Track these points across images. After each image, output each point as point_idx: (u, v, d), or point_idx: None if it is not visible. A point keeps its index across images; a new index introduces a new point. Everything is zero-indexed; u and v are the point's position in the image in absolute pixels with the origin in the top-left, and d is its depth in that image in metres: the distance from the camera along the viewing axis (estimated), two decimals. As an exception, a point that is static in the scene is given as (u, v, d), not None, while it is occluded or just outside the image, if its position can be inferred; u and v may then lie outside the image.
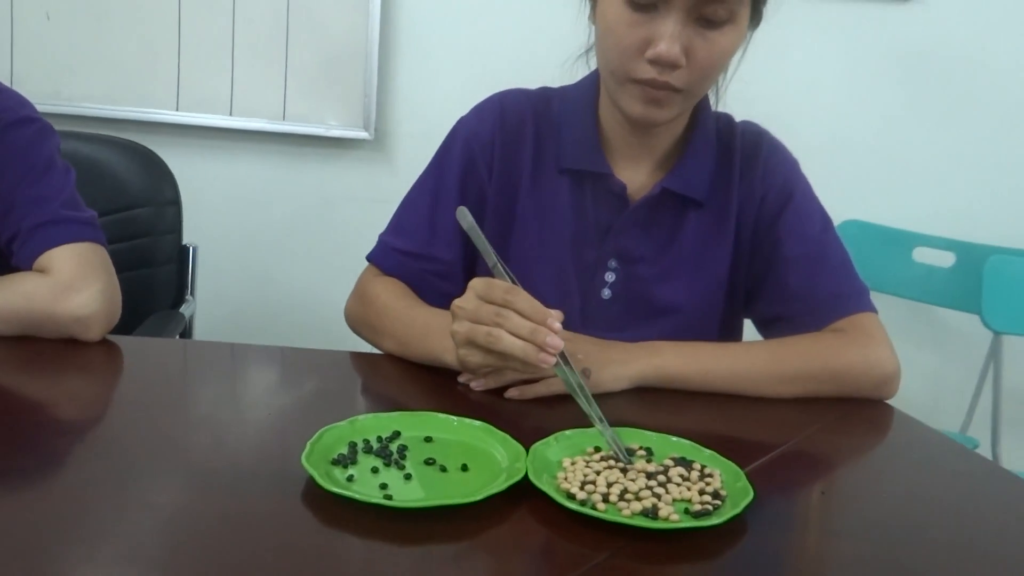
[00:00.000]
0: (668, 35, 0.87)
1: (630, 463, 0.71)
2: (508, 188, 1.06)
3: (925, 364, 2.24)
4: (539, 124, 1.06)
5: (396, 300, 1.02)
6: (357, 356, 0.99)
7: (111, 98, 2.05)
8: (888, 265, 2.14)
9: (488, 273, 0.83)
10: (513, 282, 0.82)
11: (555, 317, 0.79)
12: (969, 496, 0.78)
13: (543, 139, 1.06)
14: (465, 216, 0.82)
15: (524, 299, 0.80)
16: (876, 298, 1.07)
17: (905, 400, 1.00)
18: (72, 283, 0.95)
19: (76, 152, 1.47)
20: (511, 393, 0.88)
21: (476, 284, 0.83)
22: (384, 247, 1.08)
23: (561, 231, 1.05)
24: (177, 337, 1.45)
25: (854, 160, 2.17)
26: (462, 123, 1.09)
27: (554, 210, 1.05)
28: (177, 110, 2.07)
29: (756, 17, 0.94)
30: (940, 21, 2.09)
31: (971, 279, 2.01)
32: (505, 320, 0.79)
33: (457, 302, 0.84)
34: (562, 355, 0.80)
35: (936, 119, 2.15)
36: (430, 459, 0.71)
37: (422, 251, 1.05)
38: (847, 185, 2.16)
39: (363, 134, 2.09)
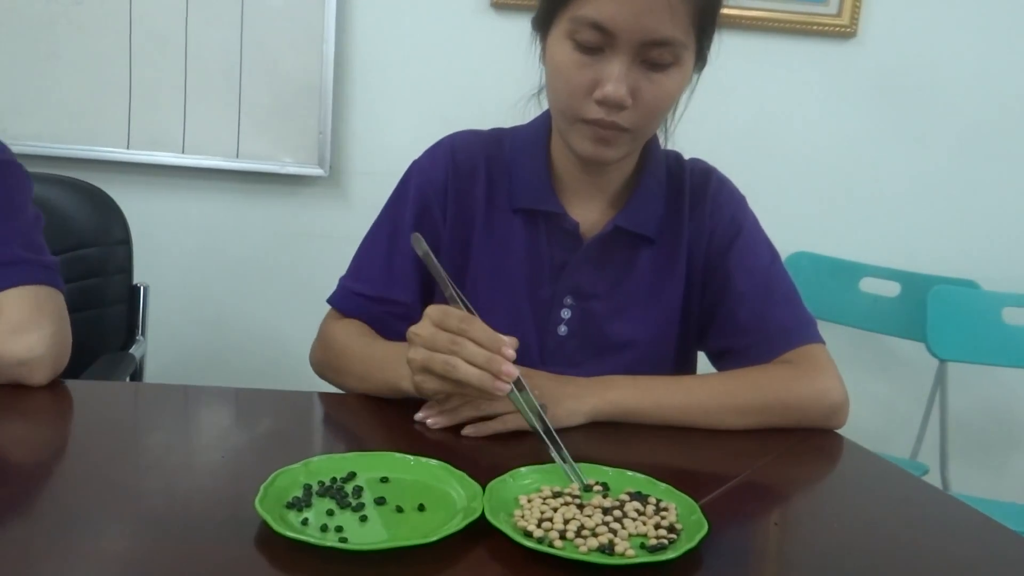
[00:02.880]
0: (615, 77, 0.89)
1: (587, 490, 0.72)
2: (462, 229, 1.07)
3: (874, 392, 2.29)
4: (491, 165, 1.07)
5: (355, 339, 1.02)
6: (312, 396, 0.99)
7: (60, 136, 2.02)
8: (836, 295, 2.19)
9: (445, 301, 0.83)
10: (469, 310, 0.83)
11: (510, 345, 0.80)
12: (918, 524, 0.79)
13: (495, 179, 1.07)
14: (420, 243, 0.83)
15: (479, 327, 0.80)
16: (825, 327, 1.09)
17: (856, 428, 1.02)
18: (20, 325, 0.93)
19: (23, 192, 1.45)
20: (467, 431, 0.88)
21: (432, 312, 0.83)
22: (344, 291, 1.09)
23: (516, 270, 1.06)
24: (127, 379, 1.42)
25: (802, 194, 2.23)
26: (415, 166, 1.10)
27: (509, 249, 1.06)
28: (128, 148, 2.05)
29: (701, 60, 0.97)
30: (882, 58, 2.17)
31: (916, 308, 2.07)
32: (461, 348, 0.79)
33: (413, 329, 0.84)
34: (518, 382, 0.80)
35: (881, 153, 2.22)
36: (386, 500, 0.70)
37: (382, 294, 1.06)
38: (795, 218, 2.22)
39: (318, 171, 2.09)
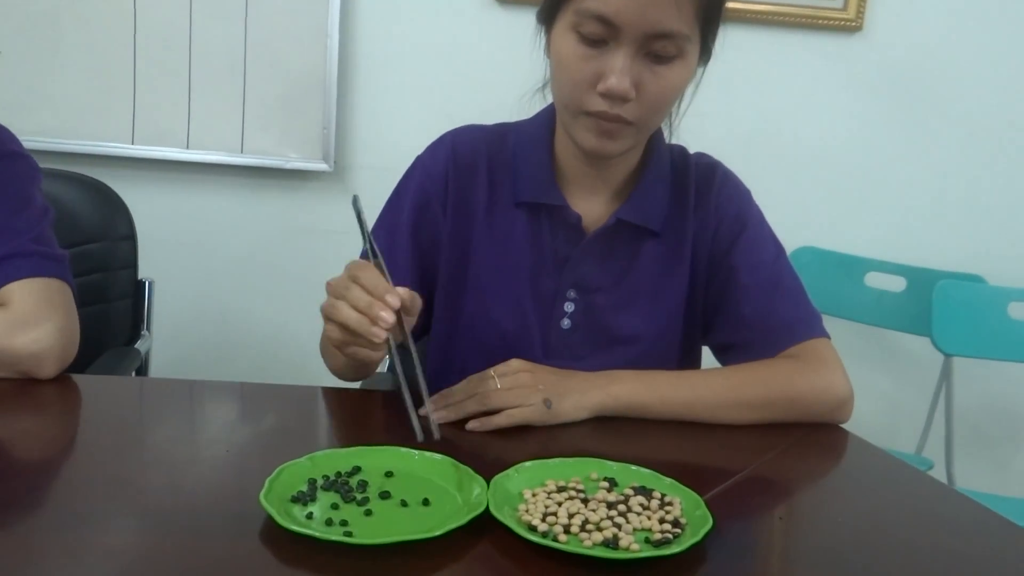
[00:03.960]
0: (618, 69, 0.89)
1: (432, 437, 0.77)
2: (463, 223, 1.07)
3: (879, 387, 2.29)
4: (492, 159, 1.07)
5: None
6: (317, 391, 0.99)
7: (65, 132, 2.02)
8: (841, 290, 2.18)
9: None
10: (380, 264, 0.83)
11: (395, 293, 0.79)
12: (922, 519, 0.79)
13: (497, 174, 1.07)
14: (356, 203, 0.85)
15: (370, 275, 0.81)
16: (830, 322, 1.09)
17: (860, 423, 1.02)
18: (28, 318, 0.93)
19: (28, 187, 1.45)
20: (471, 425, 0.88)
21: (349, 264, 0.84)
22: None
23: (519, 263, 1.06)
24: (133, 374, 1.43)
25: (807, 188, 2.22)
26: (417, 162, 1.10)
27: (511, 243, 1.06)
28: (132, 143, 2.05)
29: (706, 54, 0.97)
30: (888, 52, 2.16)
31: (922, 303, 2.07)
32: (348, 293, 0.80)
33: (329, 279, 0.86)
34: (404, 336, 0.82)
35: (887, 148, 2.21)
36: (391, 494, 0.70)
37: None
38: (800, 213, 2.21)
39: (322, 166, 2.09)
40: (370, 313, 0.78)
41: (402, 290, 0.81)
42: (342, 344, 0.84)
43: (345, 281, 0.81)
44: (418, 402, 0.80)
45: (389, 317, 0.78)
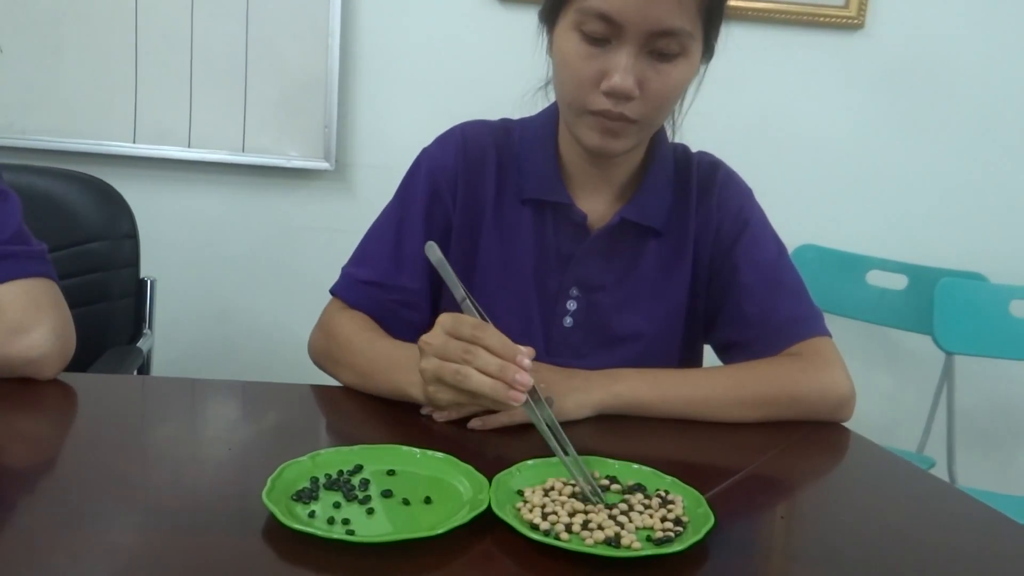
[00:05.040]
0: (622, 67, 0.89)
1: (603, 501, 0.70)
2: (472, 218, 1.06)
3: (881, 385, 2.29)
4: (501, 154, 1.07)
5: (359, 333, 1.01)
6: (319, 389, 0.99)
7: (66, 131, 2.03)
8: (843, 288, 2.18)
9: (457, 308, 0.80)
10: (482, 317, 0.80)
11: (525, 354, 0.77)
12: (924, 517, 0.79)
13: (505, 169, 1.07)
14: (434, 251, 0.80)
15: (493, 335, 0.78)
16: (831, 321, 1.09)
17: (862, 421, 1.02)
18: (21, 323, 0.92)
19: (31, 186, 1.46)
20: (473, 424, 0.88)
21: (444, 320, 0.81)
22: (348, 279, 1.08)
23: (524, 260, 1.06)
24: (135, 372, 1.43)
25: (808, 186, 2.22)
26: (426, 153, 1.09)
27: (517, 239, 1.06)
28: (134, 142, 2.05)
29: (708, 52, 0.97)
30: (890, 49, 2.16)
31: (923, 301, 2.07)
32: (474, 357, 0.77)
33: (425, 338, 0.82)
34: (533, 393, 0.78)
35: (888, 145, 2.21)
36: (393, 492, 0.70)
37: (387, 281, 1.05)
38: (802, 211, 2.21)
39: (324, 165, 2.09)
40: (505, 378, 0.75)
41: (527, 349, 0.78)
42: (451, 404, 0.82)
43: (458, 343, 0.78)
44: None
45: (527, 380, 0.75)
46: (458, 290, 0.79)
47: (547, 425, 0.76)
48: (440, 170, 1.06)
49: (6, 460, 0.75)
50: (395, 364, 0.93)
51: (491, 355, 0.77)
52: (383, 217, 1.10)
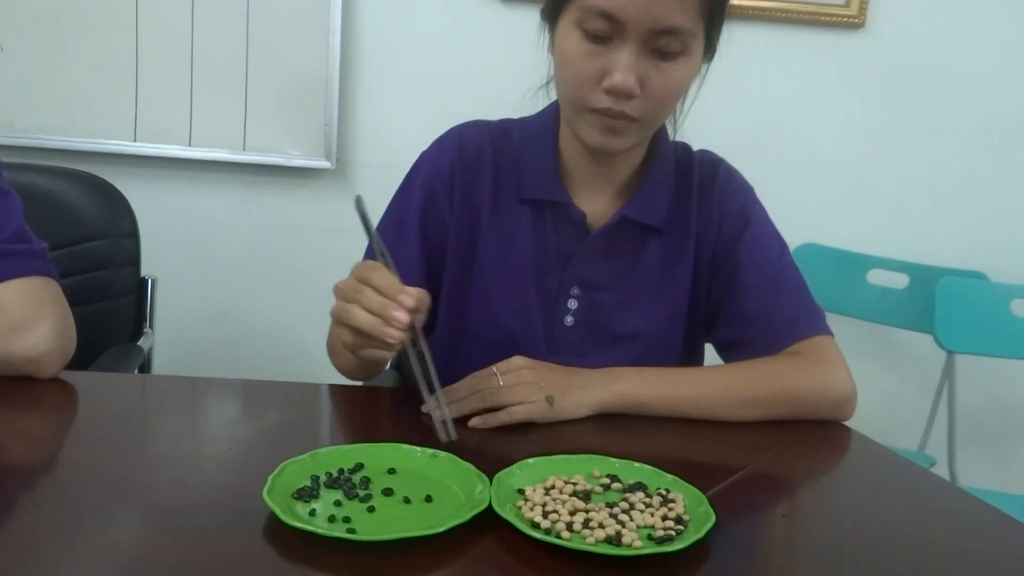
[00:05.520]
0: (623, 65, 0.89)
1: (451, 438, 0.78)
2: (469, 219, 1.06)
3: (882, 384, 2.28)
4: (498, 155, 1.07)
5: None
6: (319, 388, 0.99)
7: (67, 129, 2.03)
8: (844, 287, 2.18)
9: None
10: (387, 264, 0.83)
11: (409, 294, 0.79)
12: (925, 516, 0.79)
13: (503, 169, 1.07)
14: (360, 204, 0.83)
15: (382, 275, 0.80)
16: (832, 319, 1.09)
17: (863, 420, 1.02)
18: (22, 322, 0.92)
19: (32, 184, 1.45)
20: (474, 422, 0.88)
21: (356, 265, 0.84)
22: None
23: (523, 260, 1.06)
24: (136, 371, 1.43)
25: (810, 185, 2.22)
26: (423, 157, 1.10)
27: (516, 239, 1.06)
28: (135, 141, 2.05)
29: (710, 50, 0.96)
30: (891, 49, 2.16)
31: (924, 300, 2.06)
32: (360, 295, 0.79)
33: (337, 282, 0.85)
34: (413, 331, 0.81)
35: (890, 144, 2.21)
36: (393, 491, 0.70)
37: None
38: (803, 210, 2.21)
39: (324, 163, 2.09)
40: (384, 314, 0.78)
41: (413, 289, 0.80)
42: (355, 347, 0.83)
43: (355, 283, 0.81)
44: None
45: (403, 317, 0.77)
46: (370, 239, 0.84)
47: (419, 360, 0.80)
48: (436, 174, 1.07)
49: (7, 458, 0.75)
50: None
51: (376, 293, 0.79)
52: (384, 220, 1.10)
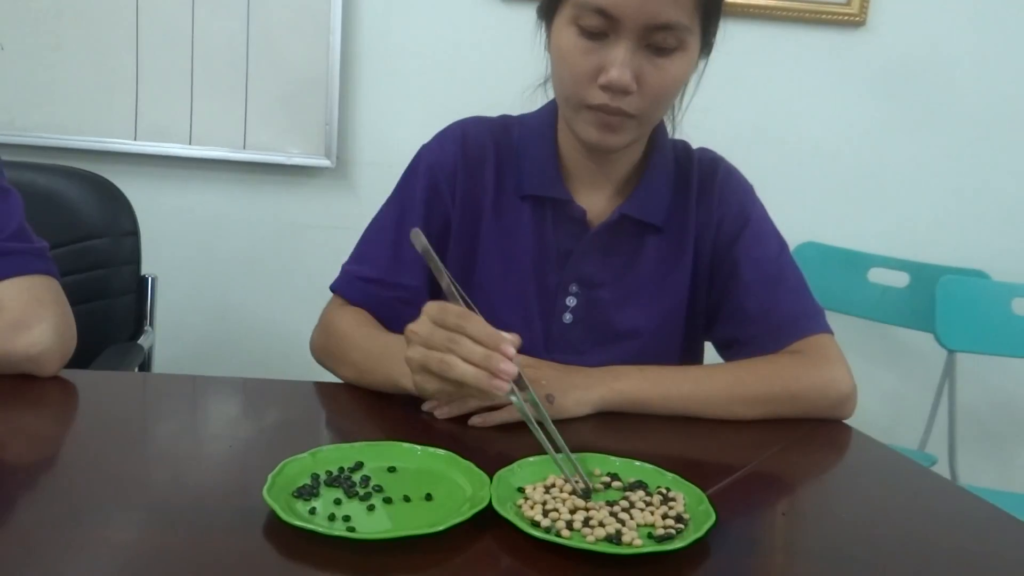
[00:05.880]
0: (619, 62, 0.89)
1: (589, 494, 0.70)
2: (471, 214, 1.06)
3: (882, 382, 2.28)
4: (500, 151, 1.07)
5: (358, 328, 1.01)
6: (320, 386, 0.99)
7: (67, 128, 2.03)
8: (844, 285, 2.18)
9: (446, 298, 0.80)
10: (468, 305, 0.79)
11: (509, 342, 0.76)
12: (926, 515, 0.79)
13: (504, 166, 1.07)
14: (419, 238, 0.79)
15: (477, 324, 0.77)
16: (833, 318, 1.09)
17: (864, 418, 1.02)
18: (22, 320, 0.92)
19: (32, 183, 1.45)
20: (474, 421, 0.88)
21: (430, 308, 0.80)
22: (347, 276, 1.08)
23: (523, 256, 1.06)
24: (136, 369, 1.43)
25: (810, 183, 2.22)
26: (425, 150, 1.09)
27: (516, 236, 1.06)
28: (135, 139, 2.05)
29: (707, 46, 0.96)
30: (891, 47, 2.15)
31: (925, 299, 2.06)
32: (458, 346, 0.76)
33: (411, 327, 0.81)
34: (519, 381, 0.77)
35: (890, 143, 2.21)
36: (394, 489, 0.70)
37: (387, 278, 1.05)
38: (803, 208, 2.21)
39: (324, 162, 2.09)
40: (489, 367, 0.74)
41: (511, 336, 0.76)
42: (439, 395, 0.81)
43: (443, 332, 0.77)
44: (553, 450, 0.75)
45: (511, 369, 0.74)
46: (443, 277, 0.79)
47: (532, 417, 0.75)
48: (439, 167, 1.06)
49: (7, 457, 0.75)
50: (388, 356, 0.92)
51: (475, 344, 0.76)
52: (382, 214, 1.09)
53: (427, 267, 1.03)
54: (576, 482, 0.71)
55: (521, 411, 0.77)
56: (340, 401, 0.97)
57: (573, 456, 0.74)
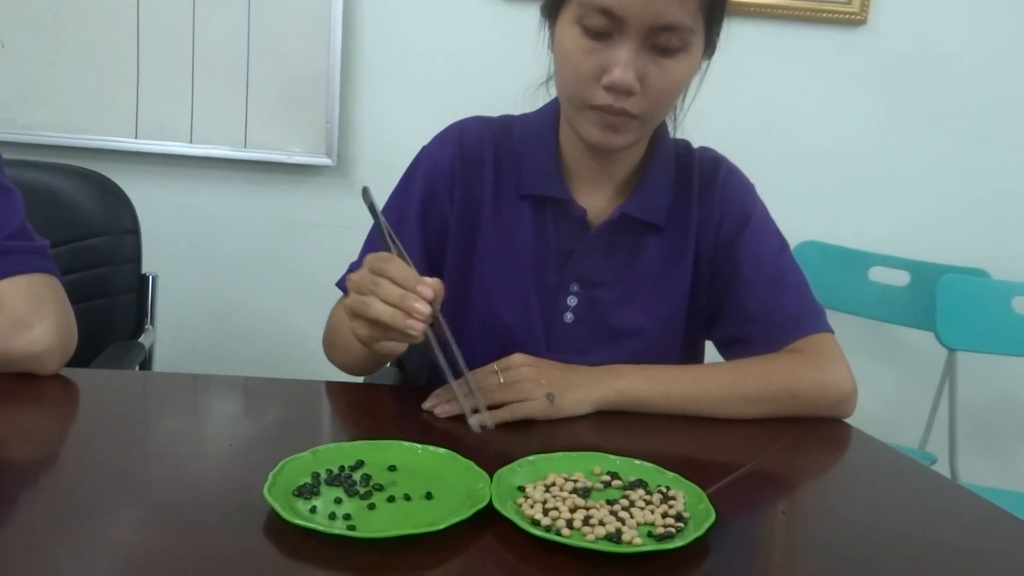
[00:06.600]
0: (622, 62, 0.89)
1: (489, 429, 0.75)
2: (470, 215, 1.06)
3: (883, 381, 2.28)
4: (499, 151, 1.07)
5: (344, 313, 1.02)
6: (320, 385, 0.99)
7: (68, 126, 2.03)
8: (845, 284, 2.18)
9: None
10: (401, 255, 0.81)
11: (428, 284, 0.78)
12: (926, 514, 0.79)
13: (503, 166, 1.07)
14: (367, 195, 0.82)
15: (398, 267, 0.78)
16: (833, 317, 1.09)
17: (864, 417, 1.02)
18: (23, 318, 0.92)
19: (33, 181, 1.45)
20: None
21: (367, 258, 0.82)
22: (349, 274, 1.08)
23: (523, 256, 1.06)
24: (137, 368, 1.43)
25: (810, 182, 2.21)
26: (424, 152, 1.10)
27: (516, 235, 1.06)
28: (136, 138, 2.05)
29: (710, 47, 0.96)
30: (892, 46, 2.15)
31: (925, 297, 2.06)
32: (378, 288, 0.77)
33: (349, 275, 0.83)
34: (434, 321, 0.79)
35: (890, 142, 2.21)
36: (394, 488, 0.70)
37: None
38: (804, 207, 2.20)
39: (325, 160, 2.09)
40: (404, 306, 0.76)
41: (430, 280, 0.79)
42: (370, 340, 0.82)
43: (370, 275, 0.79)
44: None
45: (425, 308, 0.76)
46: (383, 231, 0.82)
47: (440, 349, 0.78)
48: (437, 169, 1.07)
49: (8, 455, 0.75)
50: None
51: (394, 285, 0.77)
52: (384, 214, 1.09)
53: (425, 266, 1.05)
54: (467, 406, 0.76)
55: (432, 345, 0.79)
56: (341, 400, 0.97)
57: (471, 379, 0.79)
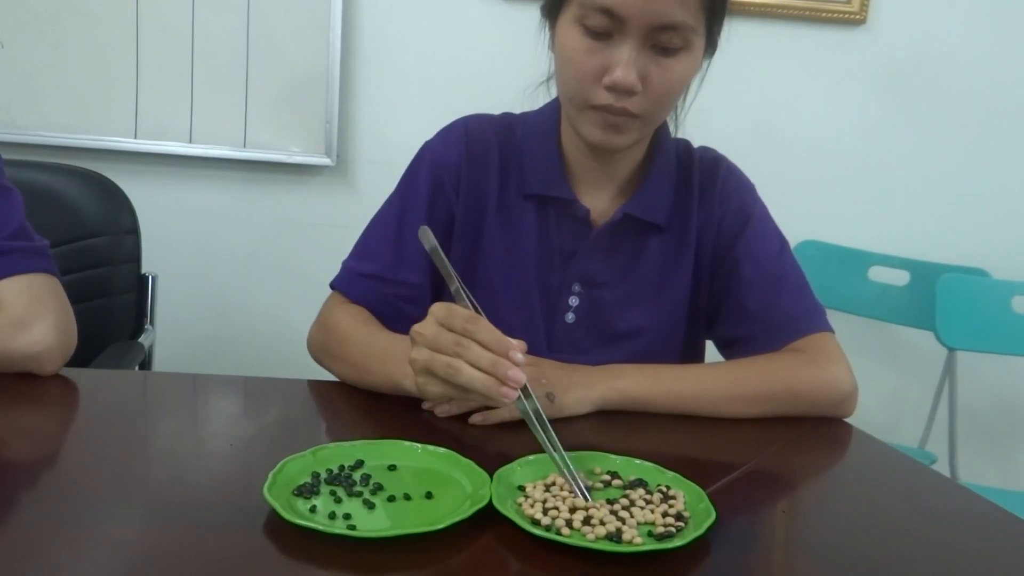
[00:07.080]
0: (624, 62, 0.89)
1: (587, 499, 0.69)
2: (474, 212, 1.06)
3: (882, 381, 2.28)
4: (503, 149, 1.07)
5: (358, 327, 1.00)
6: (320, 384, 0.99)
7: (67, 126, 2.03)
8: (845, 284, 2.18)
9: (452, 298, 0.80)
10: (475, 308, 0.79)
11: (517, 348, 0.75)
12: (926, 513, 0.79)
13: (507, 164, 1.06)
14: (427, 236, 0.78)
15: (486, 328, 0.76)
16: (833, 316, 1.09)
17: (864, 417, 1.02)
18: (23, 318, 0.92)
19: (32, 181, 1.45)
20: (475, 419, 0.88)
21: (437, 310, 0.78)
22: (348, 273, 1.07)
23: (526, 255, 1.05)
24: (136, 368, 1.43)
25: (810, 182, 2.22)
26: (428, 147, 1.09)
27: (519, 235, 1.05)
28: (135, 138, 2.05)
29: (711, 46, 0.96)
30: (892, 45, 2.15)
31: (925, 297, 2.06)
32: (465, 351, 0.75)
33: (416, 328, 0.80)
34: (525, 389, 0.77)
35: (890, 141, 2.21)
36: (394, 487, 0.70)
37: (388, 275, 1.04)
38: (804, 206, 2.21)
39: (325, 160, 2.09)
40: (496, 373, 0.73)
41: (518, 342, 0.75)
42: (443, 399, 0.80)
43: (450, 335, 0.75)
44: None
45: (520, 376, 0.73)
46: (452, 279, 0.78)
47: (536, 422, 0.75)
48: (442, 164, 1.06)
49: (8, 455, 0.75)
50: (390, 356, 0.92)
51: (483, 349, 0.75)
52: (384, 210, 1.09)
53: (429, 264, 1.04)
54: (573, 484, 0.71)
55: (524, 415, 0.76)
56: (341, 399, 0.97)
57: (570, 462, 0.73)
